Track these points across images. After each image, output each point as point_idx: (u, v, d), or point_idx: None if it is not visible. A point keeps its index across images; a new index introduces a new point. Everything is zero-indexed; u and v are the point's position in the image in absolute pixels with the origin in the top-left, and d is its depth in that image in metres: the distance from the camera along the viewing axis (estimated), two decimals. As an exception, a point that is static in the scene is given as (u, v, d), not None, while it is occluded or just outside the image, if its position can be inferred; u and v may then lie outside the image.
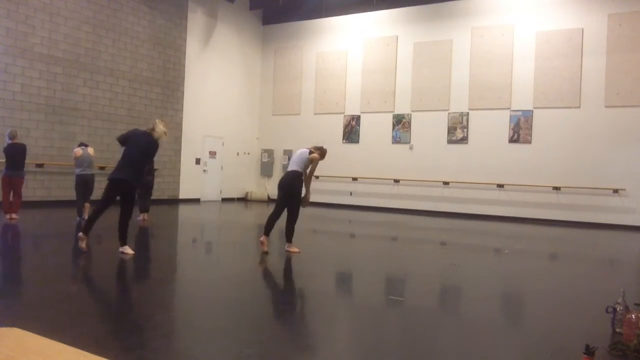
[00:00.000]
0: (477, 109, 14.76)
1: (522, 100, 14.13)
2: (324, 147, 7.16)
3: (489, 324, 4.08)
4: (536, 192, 13.90)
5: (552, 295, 5.26)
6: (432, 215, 14.49)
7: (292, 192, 6.69)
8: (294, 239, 6.91)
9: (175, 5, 15.41)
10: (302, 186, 6.79)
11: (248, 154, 18.40)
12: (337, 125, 16.90)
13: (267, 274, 6.06)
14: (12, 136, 9.47)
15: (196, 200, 16.27)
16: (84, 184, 9.82)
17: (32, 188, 11.60)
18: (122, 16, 13.85)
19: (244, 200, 18.13)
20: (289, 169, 6.87)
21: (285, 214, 6.81)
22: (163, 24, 15.04)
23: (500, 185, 14.36)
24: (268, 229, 6.72)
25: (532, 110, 14.01)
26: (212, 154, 16.95)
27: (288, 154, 17.72)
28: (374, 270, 6.52)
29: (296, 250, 6.85)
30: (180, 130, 15.68)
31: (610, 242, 10.77)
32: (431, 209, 15.10)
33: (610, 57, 13.14)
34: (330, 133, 16.84)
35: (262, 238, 6.71)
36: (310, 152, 6.85)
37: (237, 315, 4.14)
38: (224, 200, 17.26)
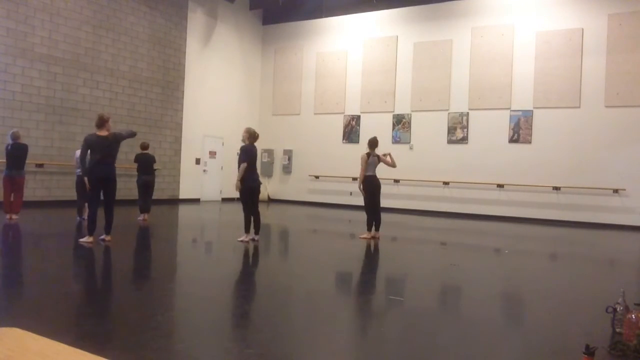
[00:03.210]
0: (477, 109, 14.75)
1: (522, 100, 14.13)
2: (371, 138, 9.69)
3: (489, 324, 4.08)
4: (536, 192, 13.90)
5: (552, 295, 5.25)
6: (432, 215, 14.49)
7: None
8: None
9: (175, 5, 15.41)
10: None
11: (248, 154, 18.38)
12: (337, 125, 16.89)
13: (266, 274, 6.06)
14: (15, 137, 9.51)
15: (196, 200, 16.27)
16: (84, 184, 9.81)
17: (32, 188, 11.60)
18: (122, 16, 13.85)
19: (244, 200, 18.08)
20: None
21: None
22: (163, 24, 15.04)
23: (500, 185, 14.36)
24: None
25: (532, 110, 14.01)
26: (212, 154, 16.95)
27: (288, 154, 17.76)
28: (374, 270, 6.52)
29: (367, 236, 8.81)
30: (180, 130, 15.68)
31: (610, 242, 10.76)
32: (431, 209, 15.10)
33: (610, 57, 13.13)
34: (330, 133, 16.83)
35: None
36: None
37: (237, 315, 4.14)
38: (224, 200, 17.24)
